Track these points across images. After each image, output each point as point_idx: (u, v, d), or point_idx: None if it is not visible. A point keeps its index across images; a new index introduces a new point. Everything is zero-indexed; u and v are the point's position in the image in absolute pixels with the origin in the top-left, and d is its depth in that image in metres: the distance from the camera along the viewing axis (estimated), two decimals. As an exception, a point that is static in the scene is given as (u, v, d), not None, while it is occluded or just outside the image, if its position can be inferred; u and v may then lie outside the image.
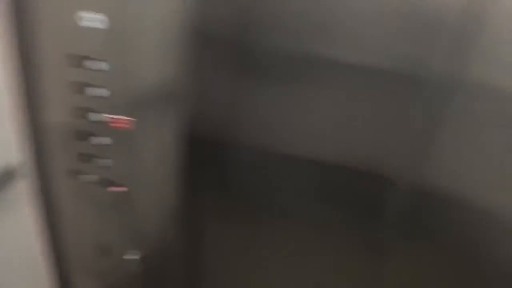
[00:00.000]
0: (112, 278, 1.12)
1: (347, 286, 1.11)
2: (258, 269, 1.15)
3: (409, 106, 0.83)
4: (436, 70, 0.79)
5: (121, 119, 0.80)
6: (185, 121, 0.89)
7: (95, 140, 0.83)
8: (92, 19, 0.70)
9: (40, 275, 1.06)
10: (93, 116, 0.80)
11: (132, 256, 1.01)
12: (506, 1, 0.70)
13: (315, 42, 0.82)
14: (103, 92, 0.77)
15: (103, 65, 0.75)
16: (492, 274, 1.01)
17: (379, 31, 0.79)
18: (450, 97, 0.81)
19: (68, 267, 1.10)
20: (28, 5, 0.71)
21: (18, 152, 0.83)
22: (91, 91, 0.77)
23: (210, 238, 1.14)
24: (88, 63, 0.74)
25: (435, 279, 1.05)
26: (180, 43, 0.79)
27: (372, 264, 1.05)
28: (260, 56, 0.84)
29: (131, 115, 0.81)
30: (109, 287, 1.15)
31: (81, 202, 0.95)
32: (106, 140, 0.83)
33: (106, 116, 0.80)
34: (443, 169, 0.89)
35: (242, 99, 0.89)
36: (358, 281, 1.09)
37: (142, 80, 0.80)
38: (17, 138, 0.82)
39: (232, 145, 0.96)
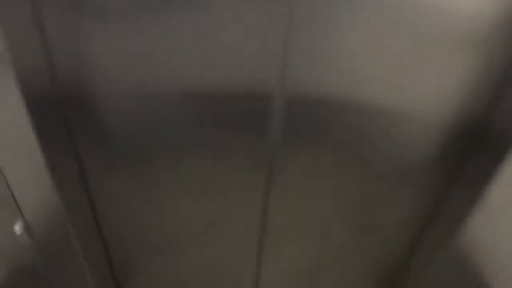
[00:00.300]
0: (8, 254, 1.09)
1: (244, 203, 1.16)
2: (165, 201, 1.16)
3: (268, 18, 0.81)
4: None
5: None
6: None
7: None
8: None
9: None
10: None
11: (19, 227, 0.99)
12: None
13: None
14: None
15: None
16: (380, 170, 1.06)
17: None
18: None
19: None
20: None
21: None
22: None
23: (106, 189, 1.14)
24: None
25: (326, 186, 1.11)
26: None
27: (266, 180, 1.09)
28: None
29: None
30: (8, 264, 1.13)
31: None
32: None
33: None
34: (307, 75, 0.90)
35: (96, 42, 0.83)
36: (253, 199, 1.14)
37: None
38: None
39: (98, 92, 0.91)
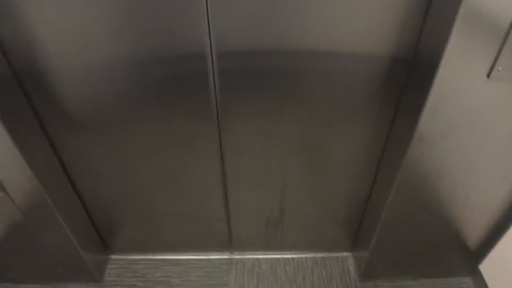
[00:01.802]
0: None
1: (200, 154, 1.23)
2: (130, 159, 1.25)
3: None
4: None
5: None
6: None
7: None
8: None
9: None
10: None
11: None
12: None
13: None
14: None
15: None
16: (323, 110, 1.10)
17: None
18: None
19: None
20: None
21: None
22: None
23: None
24: None
25: (272, 130, 1.16)
26: None
27: (215, 129, 1.15)
28: None
29: None
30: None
31: None
32: None
33: None
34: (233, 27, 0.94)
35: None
36: (208, 149, 1.21)
37: None
38: None
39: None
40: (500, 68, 0.88)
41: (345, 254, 1.68)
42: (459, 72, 0.89)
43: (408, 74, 1.02)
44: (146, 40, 0.95)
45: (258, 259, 1.67)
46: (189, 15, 0.90)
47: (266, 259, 1.67)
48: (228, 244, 1.63)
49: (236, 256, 1.68)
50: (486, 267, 1.49)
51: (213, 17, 0.91)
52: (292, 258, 1.67)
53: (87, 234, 1.47)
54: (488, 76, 0.90)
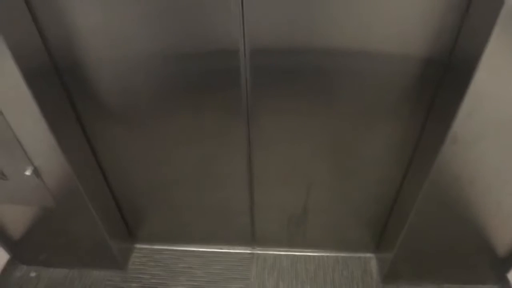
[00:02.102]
0: (21, 195, 1.24)
1: (228, 150, 1.25)
2: (160, 152, 1.27)
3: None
4: None
5: None
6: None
7: None
8: None
9: None
10: None
11: (29, 171, 1.12)
12: None
13: None
14: None
15: None
16: (354, 110, 1.09)
17: None
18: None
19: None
20: None
21: None
22: None
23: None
24: None
25: (302, 128, 1.17)
26: None
27: (245, 125, 1.16)
28: None
29: None
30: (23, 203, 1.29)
31: None
32: None
33: None
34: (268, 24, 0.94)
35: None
36: (236, 145, 1.23)
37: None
38: None
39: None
40: (541, 71, 0.85)
41: (368, 255, 1.66)
42: (497, 75, 0.87)
43: (443, 75, 1.00)
44: (181, 36, 0.97)
45: (279, 255, 1.67)
46: (223, 12, 0.91)
47: (288, 256, 1.67)
48: (251, 239, 1.64)
49: (258, 251, 1.69)
50: (514, 276, 1.45)
51: (247, 14, 0.91)
52: (314, 256, 1.66)
53: (114, 223, 1.52)
54: (527, 79, 0.87)
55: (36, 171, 1.15)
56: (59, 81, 1.07)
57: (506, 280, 1.48)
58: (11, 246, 1.55)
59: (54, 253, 1.56)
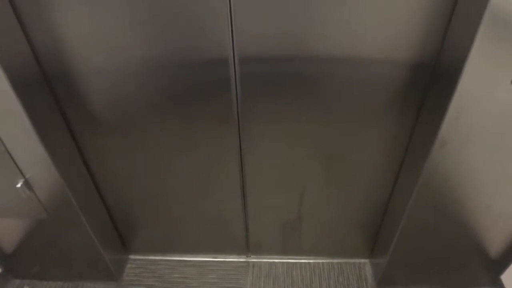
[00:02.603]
0: (13, 208, 1.22)
1: (221, 156, 1.25)
2: (151, 160, 1.27)
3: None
4: None
5: None
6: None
7: None
8: None
9: None
10: None
11: (20, 183, 1.12)
12: None
13: None
14: None
15: None
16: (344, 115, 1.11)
17: None
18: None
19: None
20: None
21: None
22: None
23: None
24: None
25: (293, 134, 1.17)
26: None
27: (235, 132, 1.17)
28: None
29: None
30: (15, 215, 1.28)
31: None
32: None
33: None
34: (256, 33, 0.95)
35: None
36: (228, 151, 1.23)
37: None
38: None
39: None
40: (525, 74, 0.87)
41: (362, 260, 1.66)
42: (483, 78, 0.88)
43: (431, 79, 1.02)
44: (170, 46, 0.98)
45: (274, 263, 1.67)
46: (213, 21, 0.93)
47: (283, 263, 1.67)
48: (245, 247, 1.64)
49: (253, 259, 1.68)
50: (508, 277, 1.46)
51: (236, 23, 0.93)
52: (309, 263, 1.66)
53: (108, 234, 1.51)
54: (512, 82, 0.89)
55: (27, 183, 1.14)
56: (49, 91, 1.07)
57: (500, 282, 1.48)
58: (3, 259, 1.53)
59: (47, 266, 1.54)
